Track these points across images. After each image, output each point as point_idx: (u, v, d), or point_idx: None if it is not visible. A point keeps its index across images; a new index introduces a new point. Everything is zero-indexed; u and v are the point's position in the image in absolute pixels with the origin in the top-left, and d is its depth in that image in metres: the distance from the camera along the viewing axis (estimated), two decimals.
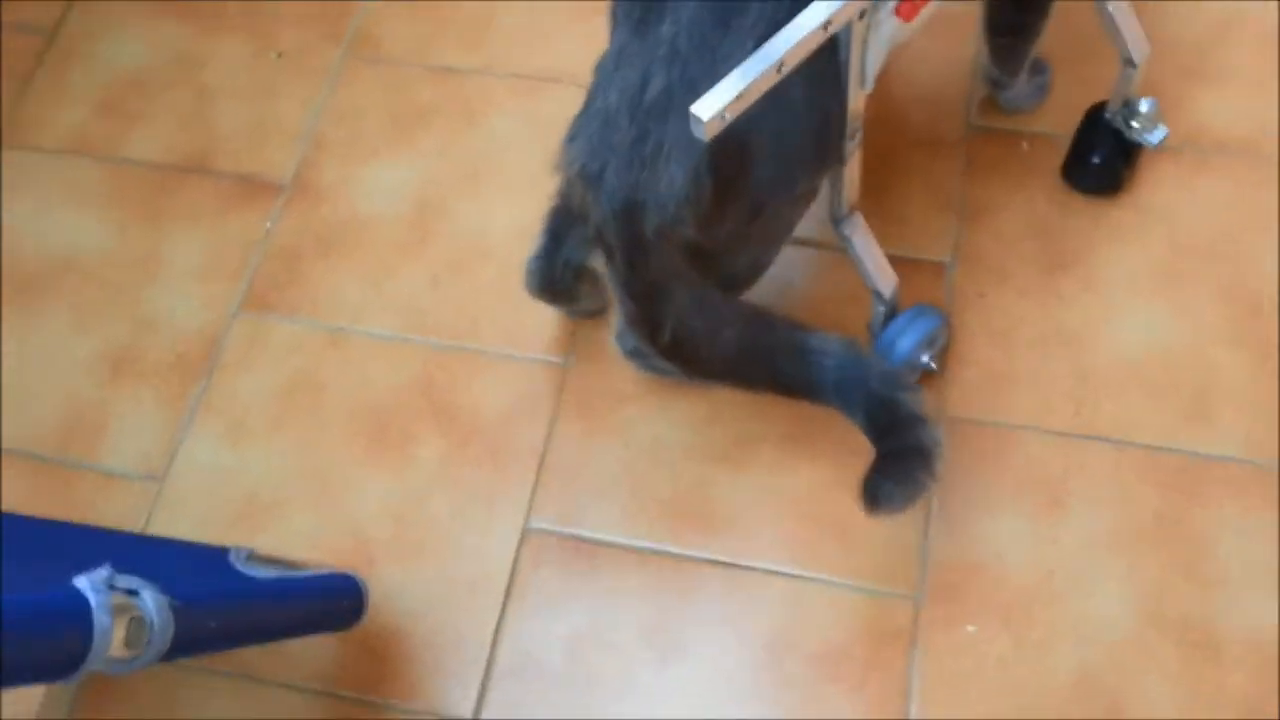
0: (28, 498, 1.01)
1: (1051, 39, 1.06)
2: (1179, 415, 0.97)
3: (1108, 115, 1.03)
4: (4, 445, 1.04)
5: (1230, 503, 0.93)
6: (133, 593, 0.58)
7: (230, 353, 1.07)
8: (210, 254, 1.12)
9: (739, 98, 0.65)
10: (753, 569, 0.94)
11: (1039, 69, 1.10)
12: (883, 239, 0.98)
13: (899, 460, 0.82)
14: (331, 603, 0.84)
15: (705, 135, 0.65)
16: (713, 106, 0.64)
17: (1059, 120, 1.09)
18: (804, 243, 1.04)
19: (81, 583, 0.56)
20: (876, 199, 1.02)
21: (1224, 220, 1.04)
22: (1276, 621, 0.89)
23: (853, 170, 0.85)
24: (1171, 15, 1.15)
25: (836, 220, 0.89)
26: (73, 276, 1.12)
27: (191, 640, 0.62)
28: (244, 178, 1.16)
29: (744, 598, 0.93)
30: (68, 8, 1.28)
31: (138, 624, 0.57)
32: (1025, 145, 1.10)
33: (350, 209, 1.13)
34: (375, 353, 1.06)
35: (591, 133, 0.75)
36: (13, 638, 0.50)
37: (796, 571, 0.94)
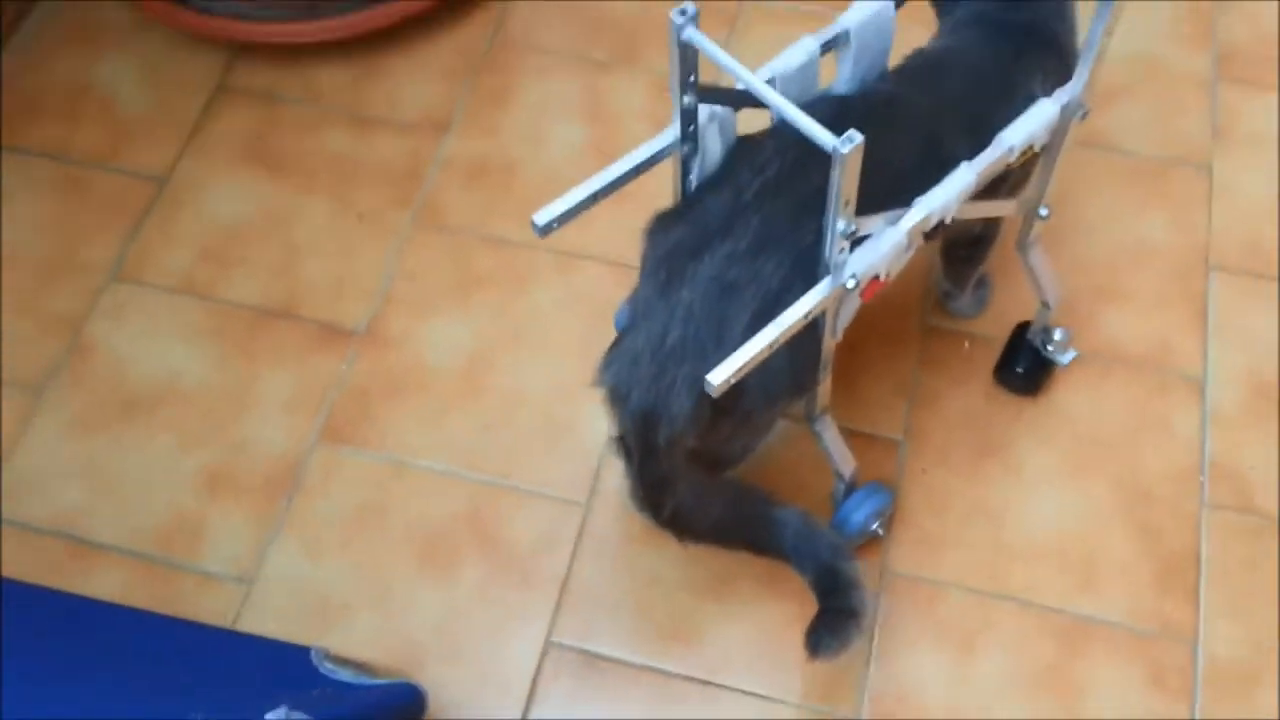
0: (134, 591, 1.23)
1: (993, 262, 1.31)
2: (1074, 583, 1.21)
3: (1029, 336, 1.28)
4: (114, 544, 1.26)
5: (1108, 658, 1.17)
6: None
7: (309, 477, 1.29)
8: (295, 389, 1.34)
9: (740, 369, 0.88)
10: (726, 687, 1.17)
11: (982, 283, 1.35)
12: (847, 417, 1.22)
13: (835, 618, 1.06)
14: (402, 708, 1.06)
15: (715, 393, 0.88)
16: (722, 375, 0.88)
17: (995, 326, 1.34)
18: (785, 417, 1.28)
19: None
20: (845, 382, 1.26)
21: (1120, 422, 1.29)
22: None
23: (824, 389, 1.09)
24: (1092, 237, 1.41)
25: (810, 419, 1.13)
26: (176, 400, 1.34)
27: None
28: (325, 324, 1.38)
29: (719, 712, 1.16)
30: (178, 158, 1.51)
31: None
32: (967, 345, 1.35)
33: (414, 357, 1.36)
34: (431, 485, 1.28)
35: (621, 365, 1.00)
36: None
37: (762, 692, 1.17)
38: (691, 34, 0.88)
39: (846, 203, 0.87)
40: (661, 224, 1.04)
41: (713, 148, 1.01)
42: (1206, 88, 1.53)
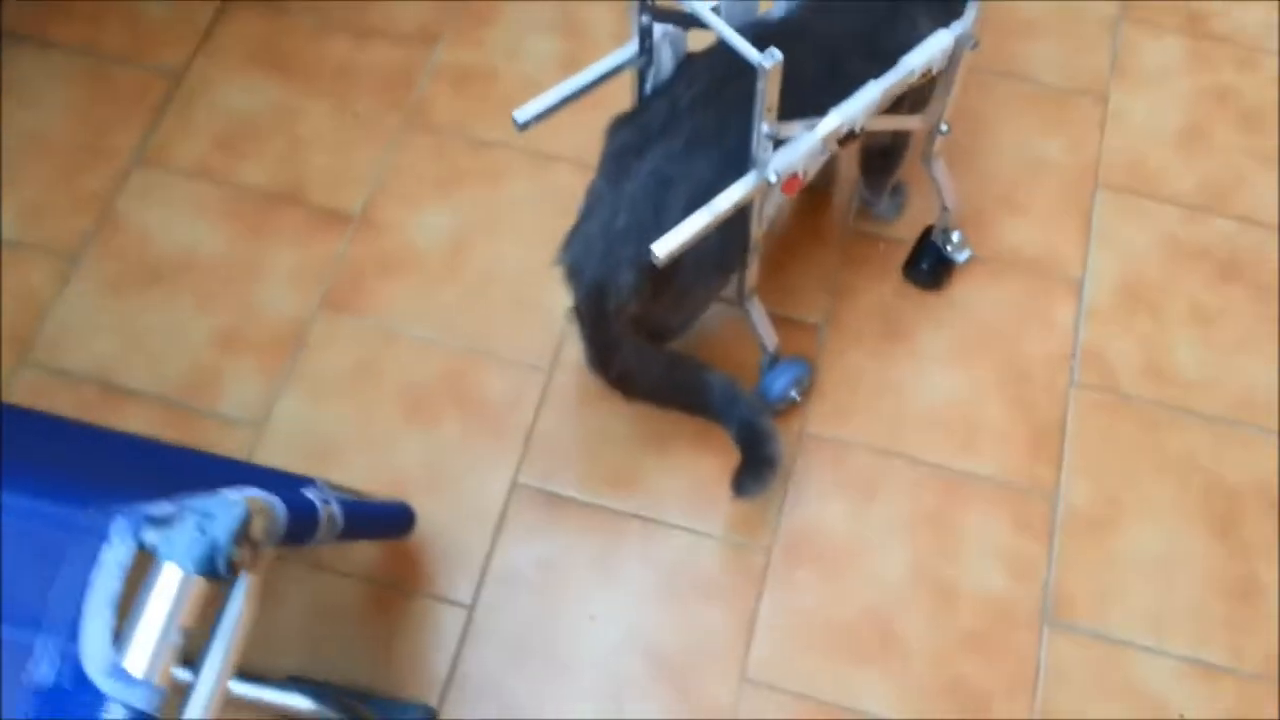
0: (160, 431, 1.43)
1: (909, 174, 1.51)
2: (957, 446, 1.43)
3: (933, 238, 1.48)
4: (142, 389, 1.45)
5: (981, 507, 1.40)
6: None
7: (312, 338, 1.48)
8: (299, 263, 1.53)
9: (679, 243, 1.08)
10: (663, 523, 1.39)
11: (898, 191, 1.55)
12: (775, 303, 1.43)
13: (756, 465, 1.28)
14: (395, 519, 1.27)
15: (660, 264, 1.08)
16: (665, 248, 1.08)
17: (908, 230, 1.54)
18: (720, 301, 1.48)
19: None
20: (774, 274, 1.47)
21: (1007, 315, 1.50)
22: (998, 585, 1.35)
23: (752, 272, 1.29)
24: (997, 156, 1.60)
25: (741, 300, 1.34)
26: (195, 269, 1.53)
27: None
28: (325, 209, 1.57)
29: (656, 542, 1.38)
30: (193, 57, 1.67)
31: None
32: (881, 247, 1.55)
33: (403, 241, 1.55)
34: (416, 350, 1.48)
35: (577, 247, 1.21)
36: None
37: (692, 527, 1.38)
38: None
39: (769, 110, 1.06)
40: (616, 126, 1.23)
41: (665, 62, 1.20)
42: (1111, 27, 1.72)
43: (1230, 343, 1.48)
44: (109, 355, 1.47)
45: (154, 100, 1.64)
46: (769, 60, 0.99)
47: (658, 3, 1.13)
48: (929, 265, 1.50)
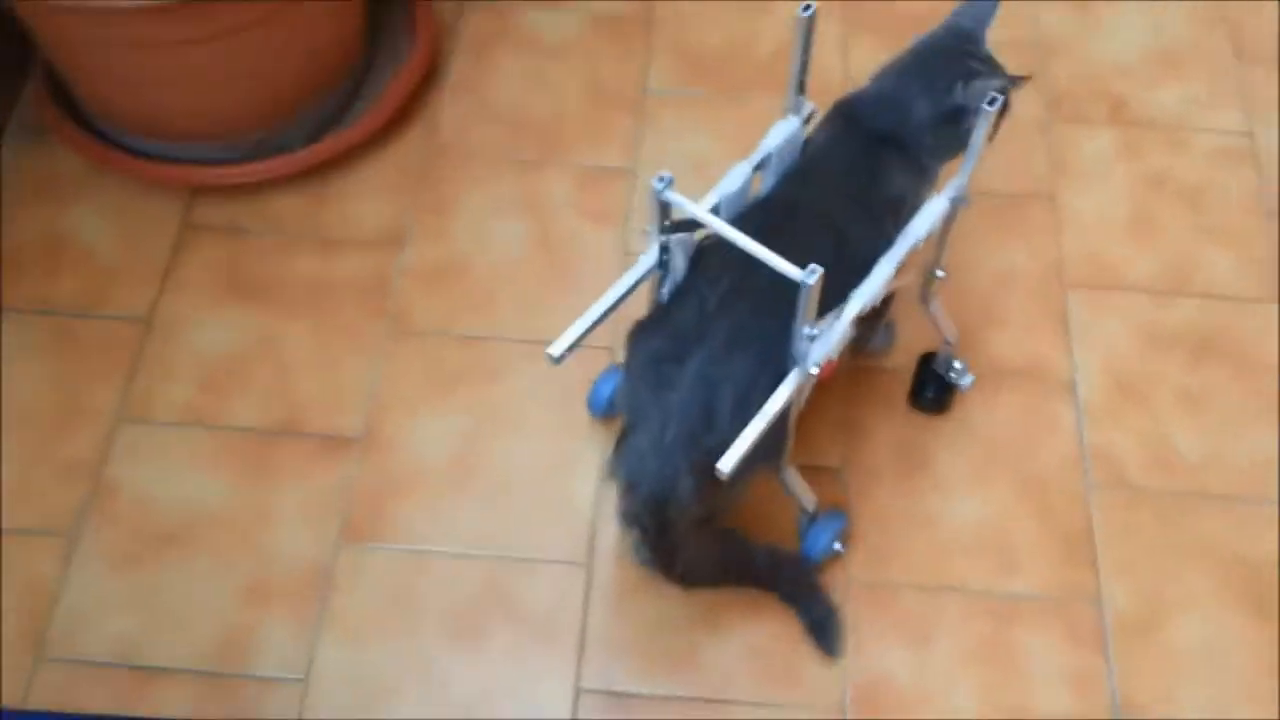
0: (201, 706, 1.36)
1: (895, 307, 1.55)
2: (997, 568, 1.46)
3: (935, 367, 1.53)
4: (173, 665, 1.38)
5: (1033, 625, 1.42)
6: None
7: (339, 576, 1.44)
8: (310, 499, 1.49)
9: (744, 454, 1.09)
10: (731, 701, 1.38)
11: (889, 325, 1.58)
12: (796, 454, 1.44)
13: (822, 620, 1.35)
14: None
15: (727, 477, 1.08)
16: (731, 462, 1.08)
17: (904, 357, 1.58)
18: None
19: None
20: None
21: (1014, 427, 1.55)
22: (1066, 704, 1.38)
23: (788, 450, 1.31)
24: (969, 273, 1.66)
25: (778, 471, 1.35)
26: (204, 525, 1.47)
27: None
28: (326, 435, 1.53)
29: None
30: (158, 298, 1.63)
31: None
32: (883, 379, 1.58)
33: (411, 454, 1.52)
34: (448, 567, 1.45)
35: (630, 462, 1.21)
36: None
37: (758, 699, 1.38)
38: (670, 195, 1.08)
39: (810, 315, 1.08)
40: (642, 332, 1.24)
41: (679, 264, 1.22)
42: (1044, 129, 1.80)
43: (1221, 421, 1.55)
44: (130, 634, 1.40)
45: (126, 350, 1.59)
46: (810, 277, 1.01)
47: (672, 221, 1.15)
48: (934, 393, 1.54)
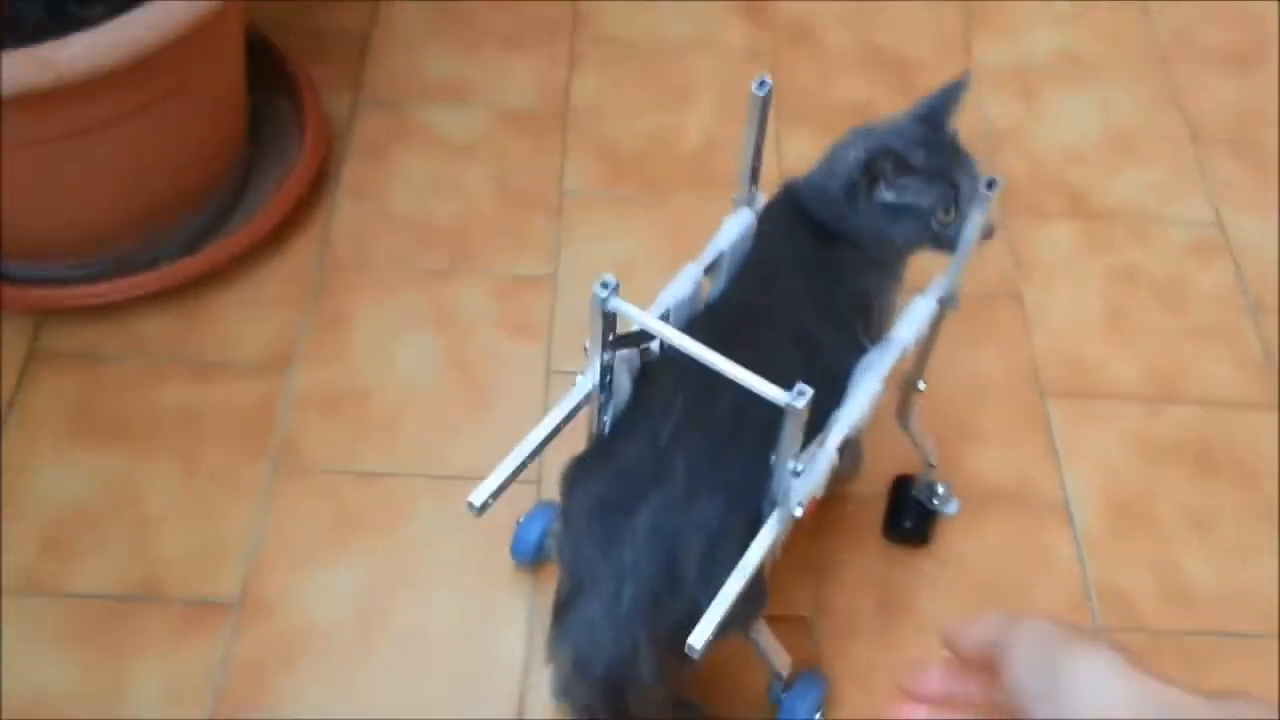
0: None
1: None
2: None
3: (914, 493, 1.34)
4: None
5: None
6: None
7: None
8: (173, 678, 1.23)
9: (718, 626, 0.88)
10: None
11: (853, 448, 1.40)
12: None
13: None
14: None
15: (698, 655, 0.87)
16: (703, 637, 0.86)
17: (872, 484, 1.40)
18: None
19: None
20: None
21: (1005, 561, 1.36)
22: None
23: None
24: (938, 382, 1.48)
25: (745, 631, 1.14)
26: (49, 713, 1.20)
27: None
28: (193, 601, 1.28)
29: None
30: None
31: None
32: (850, 508, 1.39)
33: (302, 617, 1.27)
34: None
35: (579, 637, 0.97)
36: None
37: None
38: (616, 303, 0.88)
39: (794, 445, 0.89)
40: (581, 472, 1.02)
41: (624, 383, 1.02)
42: (1000, 219, 1.66)
43: (1234, 543, 1.39)
44: None
45: None
46: (800, 399, 0.82)
47: (616, 335, 0.95)
48: (913, 523, 1.35)
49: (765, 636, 1.14)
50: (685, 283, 1.04)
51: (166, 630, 1.26)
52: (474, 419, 1.44)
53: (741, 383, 0.84)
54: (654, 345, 1.01)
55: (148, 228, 1.46)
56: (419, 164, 1.69)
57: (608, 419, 1.02)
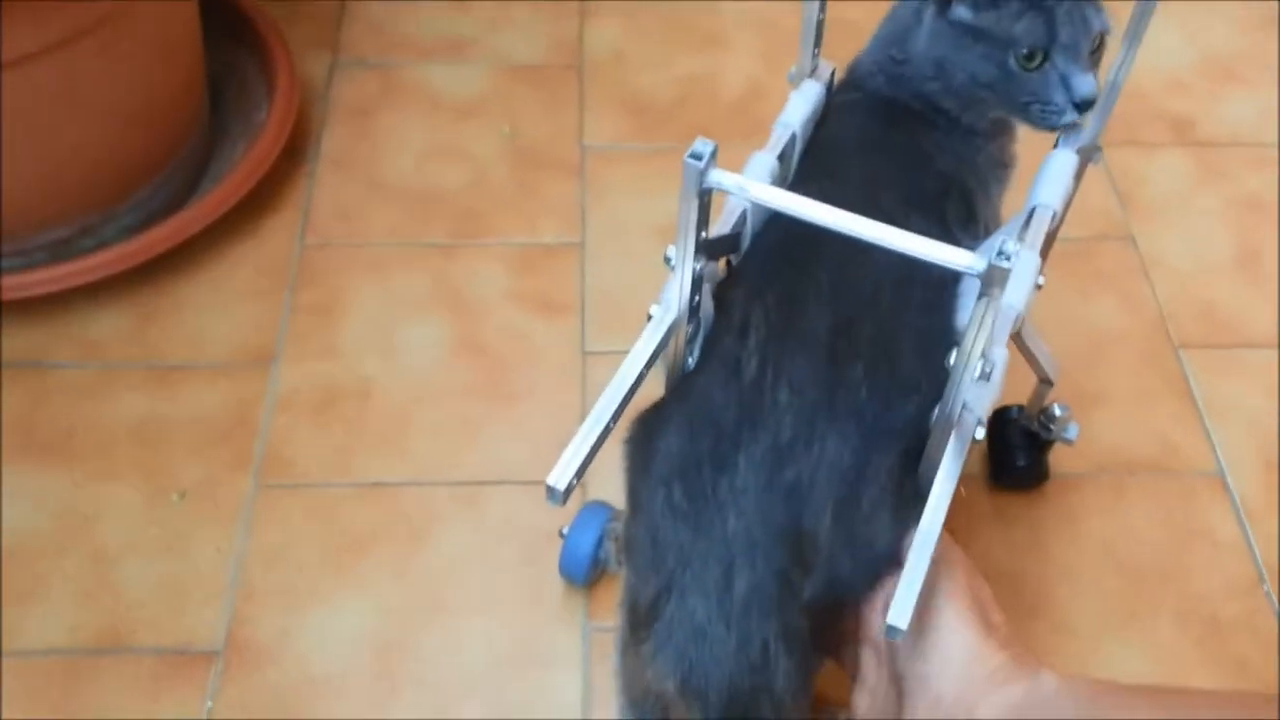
0: None
1: None
2: None
3: (1024, 422, 1.15)
4: None
5: None
6: None
7: None
8: None
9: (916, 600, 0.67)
10: None
11: None
12: None
13: None
14: None
15: (904, 637, 0.67)
16: (904, 612, 0.66)
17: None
18: None
19: None
20: None
21: (1157, 543, 1.15)
22: None
23: None
24: (1049, 340, 1.29)
25: None
26: None
27: None
28: (169, 650, 1.06)
29: None
30: None
31: None
32: (962, 491, 1.18)
33: (300, 666, 1.06)
34: None
35: (682, 646, 0.75)
36: None
37: None
38: (719, 177, 0.66)
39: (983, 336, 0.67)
40: (652, 431, 0.80)
41: (709, 315, 0.80)
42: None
43: None
44: None
45: None
46: (1003, 261, 0.60)
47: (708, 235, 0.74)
48: (1026, 460, 1.16)
49: None
50: (757, 171, 0.83)
51: (137, 688, 1.04)
52: (498, 413, 1.23)
53: (910, 252, 0.63)
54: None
55: (91, 204, 1.26)
56: (413, 128, 1.49)
57: (692, 358, 0.81)
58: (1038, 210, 0.85)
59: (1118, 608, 1.11)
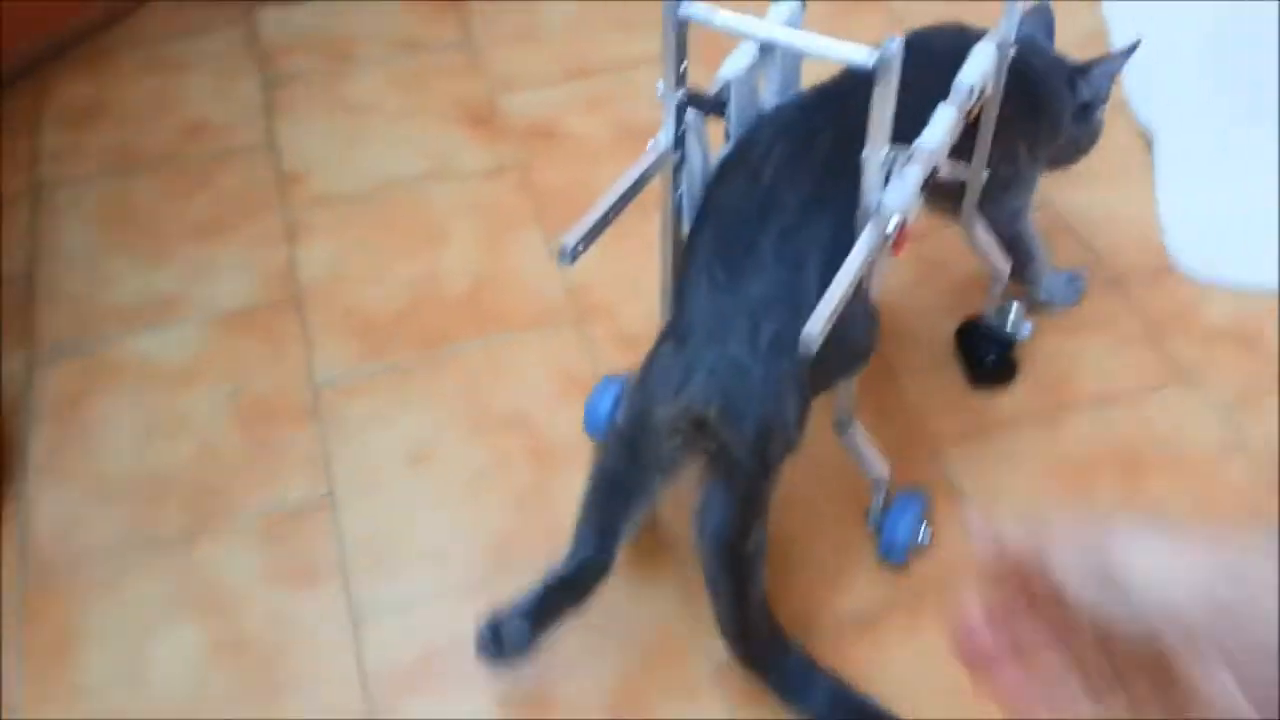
0: None
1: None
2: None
3: (984, 325, 1.38)
4: None
5: None
6: None
7: None
8: None
9: (827, 322, 0.93)
10: None
11: (1076, 274, 1.46)
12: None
13: None
14: None
15: (812, 350, 0.91)
16: (816, 326, 0.91)
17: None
18: None
19: None
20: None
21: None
22: None
23: (851, 392, 1.17)
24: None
25: (840, 428, 1.18)
26: None
27: None
28: None
29: None
30: None
31: None
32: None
33: None
34: None
35: (719, 375, 1.00)
36: None
37: None
38: (691, 8, 0.96)
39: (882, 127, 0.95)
40: (690, 245, 1.10)
41: (695, 158, 1.09)
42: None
43: None
44: None
45: None
46: (883, 59, 0.90)
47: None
48: (996, 355, 1.37)
49: (861, 435, 1.19)
50: (741, 58, 1.07)
51: None
52: (273, 706, 1.15)
53: (817, 52, 0.96)
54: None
55: None
56: (129, 409, 1.41)
57: (681, 192, 1.10)
58: (958, 85, 1.06)
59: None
